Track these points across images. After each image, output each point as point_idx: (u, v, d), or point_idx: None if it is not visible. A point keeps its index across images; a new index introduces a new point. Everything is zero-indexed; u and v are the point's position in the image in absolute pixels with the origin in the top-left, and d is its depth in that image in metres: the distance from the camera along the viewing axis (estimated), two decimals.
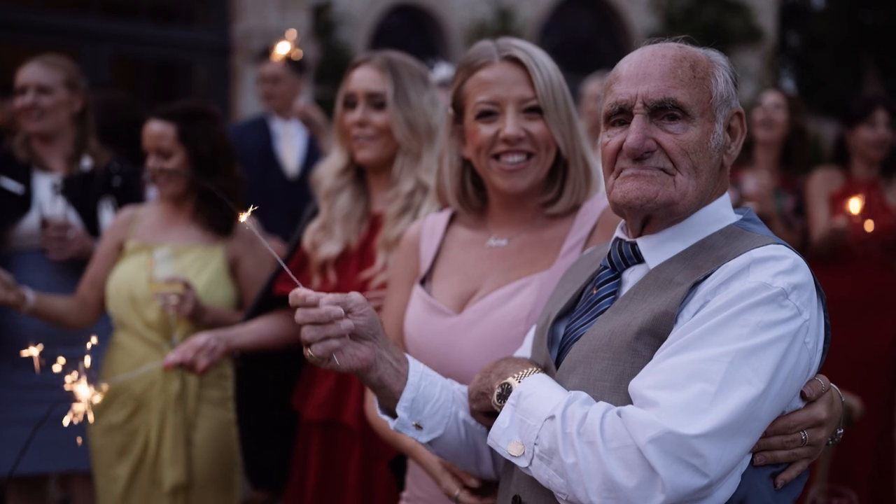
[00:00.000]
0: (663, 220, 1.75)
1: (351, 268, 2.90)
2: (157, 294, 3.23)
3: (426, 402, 1.85)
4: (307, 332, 1.67)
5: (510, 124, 2.18)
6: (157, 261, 3.31)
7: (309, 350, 1.68)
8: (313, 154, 5.82)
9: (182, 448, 3.35)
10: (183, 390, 3.38)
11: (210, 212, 3.47)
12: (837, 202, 5.00)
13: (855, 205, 4.51)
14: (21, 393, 3.85)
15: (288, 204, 5.38)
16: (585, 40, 16.32)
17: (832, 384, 1.75)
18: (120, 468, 3.41)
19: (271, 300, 3.14)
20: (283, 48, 4.18)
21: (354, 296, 1.74)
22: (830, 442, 1.77)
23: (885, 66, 17.86)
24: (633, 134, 1.70)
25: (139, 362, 3.39)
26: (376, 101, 2.88)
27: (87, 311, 3.57)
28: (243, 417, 3.20)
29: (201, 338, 2.97)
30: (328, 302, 1.67)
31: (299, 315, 1.67)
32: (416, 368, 1.85)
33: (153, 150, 3.43)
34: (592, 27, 16.73)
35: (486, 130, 2.21)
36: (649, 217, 1.77)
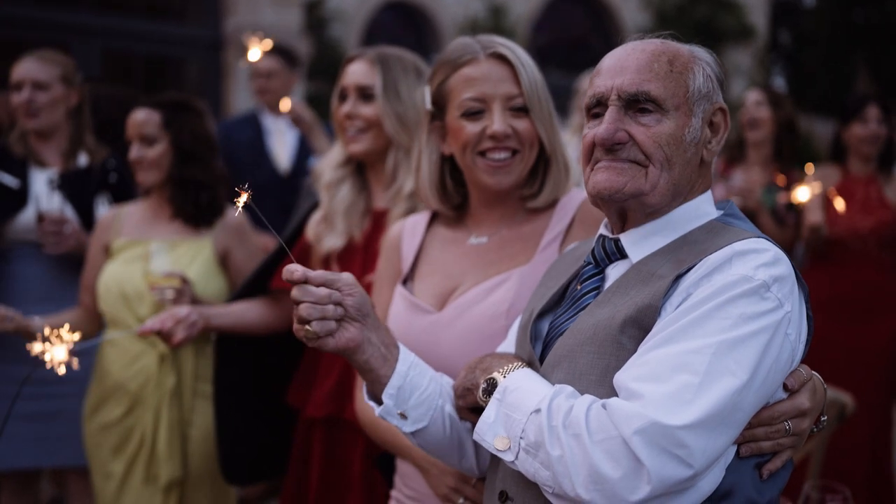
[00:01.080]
0: (637, 212, 1.77)
1: (355, 263, 2.89)
2: (154, 288, 3.22)
3: (412, 392, 1.86)
4: (305, 310, 1.68)
5: (497, 121, 2.19)
6: (153, 255, 3.30)
7: (305, 326, 1.69)
8: (305, 150, 5.81)
9: (178, 443, 3.34)
10: (178, 385, 3.36)
11: (191, 204, 3.48)
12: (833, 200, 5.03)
13: (840, 204, 4.54)
14: (25, 388, 3.84)
15: (279, 200, 5.37)
16: (577, 37, 16.35)
17: (813, 372, 1.76)
18: (115, 465, 3.40)
19: (258, 286, 3.14)
20: (254, 55, 4.14)
21: (345, 276, 1.74)
22: (815, 430, 1.78)
23: (876, 64, 17.92)
24: (604, 125, 1.73)
25: (134, 359, 3.38)
26: (365, 94, 2.89)
27: (95, 317, 3.55)
28: (221, 410, 3.18)
29: (183, 309, 2.97)
30: (320, 280, 1.69)
31: (297, 292, 1.68)
32: (405, 358, 1.86)
33: (137, 137, 3.44)
34: (584, 24, 16.76)
35: (471, 128, 2.21)
36: (626, 212, 1.78)
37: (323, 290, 1.68)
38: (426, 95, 2.35)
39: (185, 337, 2.93)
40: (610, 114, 1.73)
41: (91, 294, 3.53)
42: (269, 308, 3.14)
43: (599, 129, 1.73)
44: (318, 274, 1.69)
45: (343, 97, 2.95)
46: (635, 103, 1.72)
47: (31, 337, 3.27)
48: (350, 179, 2.97)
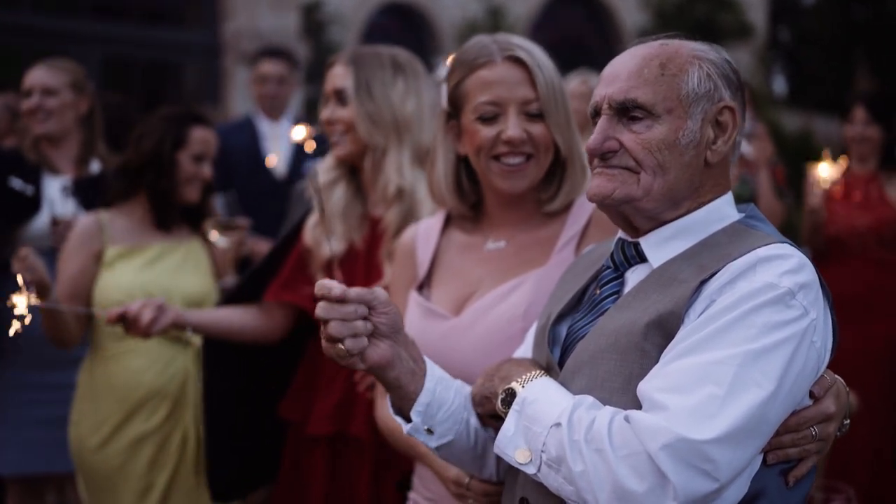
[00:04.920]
0: (637, 218, 1.75)
1: (357, 270, 2.83)
2: (221, 235, 3.33)
3: (440, 408, 1.83)
4: (334, 328, 1.62)
5: (512, 126, 2.16)
6: (218, 205, 3.40)
7: (337, 345, 1.64)
8: (301, 155, 5.79)
9: None
10: None
11: (198, 210, 3.51)
12: (833, 197, 5.03)
13: (825, 169, 4.55)
14: (29, 394, 3.85)
15: (276, 205, 5.35)
16: (577, 38, 16.35)
17: (837, 376, 1.75)
18: (155, 474, 3.37)
19: (247, 293, 3.06)
20: (298, 133, 4.24)
21: (379, 292, 1.69)
22: (839, 433, 1.76)
23: (876, 62, 17.90)
24: (593, 135, 1.74)
25: (168, 363, 3.37)
26: (341, 97, 2.84)
27: (82, 325, 3.49)
28: (210, 421, 3.09)
29: (146, 298, 2.92)
30: (357, 298, 1.64)
31: (324, 310, 1.64)
32: (432, 372, 1.83)
33: (209, 156, 3.48)
34: (584, 25, 16.77)
35: (486, 132, 2.18)
36: (628, 217, 1.77)
37: (350, 307, 1.62)
38: (443, 93, 2.32)
39: (153, 319, 2.83)
40: (601, 123, 1.73)
41: (77, 301, 3.44)
42: (256, 317, 3.03)
43: (590, 139, 1.74)
44: (356, 291, 1.64)
45: (325, 102, 2.92)
46: (626, 111, 1.70)
47: (40, 294, 3.11)
48: (343, 182, 2.91)
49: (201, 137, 3.46)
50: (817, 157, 5.08)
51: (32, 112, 4.00)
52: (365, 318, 1.65)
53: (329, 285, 1.62)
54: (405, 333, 1.76)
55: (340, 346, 1.63)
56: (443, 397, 1.83)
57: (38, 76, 4.03)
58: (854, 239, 4.96)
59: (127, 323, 2.86)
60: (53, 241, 3.77)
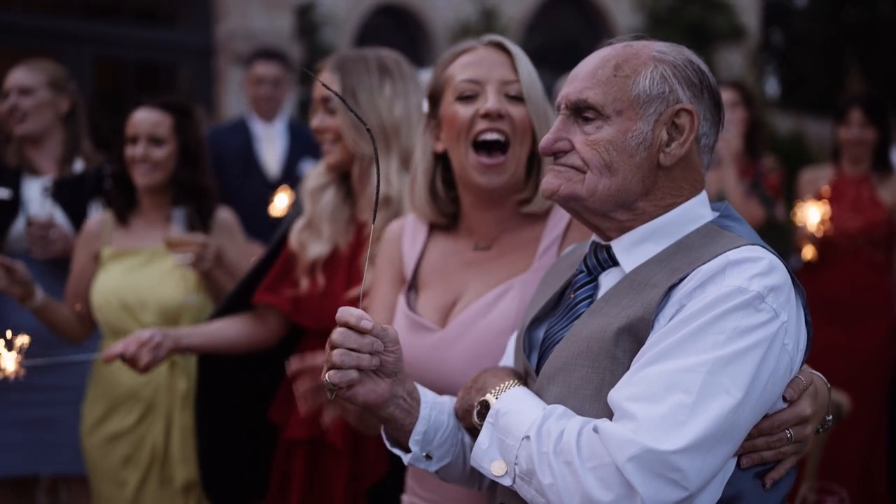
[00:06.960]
0: (590, 217, 1.75)
1: (340, 273, 2.82)
2: (175, 252, 3.22)
3: (436, 432, 1.83)
4: (338, 356, 1.59)
5: (492, 99, 2.13)
6: (173, 219, 3.32)
7: (329, 374, 1.61)
8: (295, 157, 5.79)
9: (192, 446, 3.30)
10: (190, 390, 3.33)
11: (193, 209, 3.47)
12: (824, 198, 5.03)
13: (815, 214, 4.57)
14: (16, 394, 3.80)
15: (269, 207, 5.35)
16: (570, 40, 16.36)
17: (815, 372, 1.74)
18: (127, 473, 3.38)
19: (241, 301, 3.04)
20: (281, 202, 4.27)
21: (392, 332, 1.68)
22: (820, 431, 1.76)
23: (867, 63, 17.95)
24: (546, 135, 1.76)
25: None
26: (329, 107, 2.83)
27: (86, 324, 3.52)
28: (204, 425, 3.08)
29: (146, 333, 2.87)
30: (377, 332, 1.62)
31: (341, 337, 1.60)
32: (425, 399, 1.82)
33: (145, 136, 3.40)
34: (577, 26, 16.78)
35: (465, 111, 2.14)
36: (584, 218, 1.78)
37: (367, 339, 1.61)
38: (424, 100, 2.30)
39: (152, 360, 2.83)
40: (556, 123, 1.75)
41: (83, 302, 3.48)
42: (251, 324, 3.02)
43: (543, 138, 1.77)
44: (375, 326, 1.62)
45: (316, 110, 2.90)
46: (579, 111, 1.72)
47: (23, 302, 3.23)
48: (334, 186, 2.90)
49: (132, 120, 3.45)
50: (809, 159, 5.08)
51: (9, 113, 3.94)
52: (374, 353, 1.63)
53: (356, 314, 1.60)
54: (404, 371, 1.75)
55: (326, 378, 1.61)
56: (438, 421, 1.83)
57: (15, 77, 3.98)
58: (845, 240, 4.96)
59: (125, 360, 2.85)
60: (27, 243, 3.72)
